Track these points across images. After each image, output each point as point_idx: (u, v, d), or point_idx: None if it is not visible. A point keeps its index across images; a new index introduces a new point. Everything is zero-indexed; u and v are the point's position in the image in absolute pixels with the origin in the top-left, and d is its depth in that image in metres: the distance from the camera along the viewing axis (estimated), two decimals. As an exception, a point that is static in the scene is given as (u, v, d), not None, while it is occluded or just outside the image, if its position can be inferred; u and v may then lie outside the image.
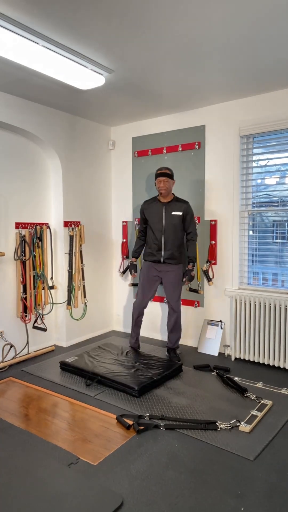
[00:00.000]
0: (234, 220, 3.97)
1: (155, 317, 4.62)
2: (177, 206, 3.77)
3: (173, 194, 3.86)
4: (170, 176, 3.72)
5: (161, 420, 2.71)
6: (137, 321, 4.06)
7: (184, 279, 3.85)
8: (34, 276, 4.03)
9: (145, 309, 4.04)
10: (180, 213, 3.76)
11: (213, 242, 4.09)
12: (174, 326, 3.91)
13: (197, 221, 4.19)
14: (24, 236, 3.94)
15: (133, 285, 4.68)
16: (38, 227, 4.05)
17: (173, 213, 3.75)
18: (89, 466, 2.22)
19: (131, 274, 4.10)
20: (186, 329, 4.39)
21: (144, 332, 4.71)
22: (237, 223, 3.96)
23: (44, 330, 4.15)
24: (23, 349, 4.03)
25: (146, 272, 3.90)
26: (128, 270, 4.04)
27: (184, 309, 4.38)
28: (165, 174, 3.69)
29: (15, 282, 3.94)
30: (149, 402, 2.97)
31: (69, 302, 4.32)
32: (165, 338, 4.55)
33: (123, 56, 2.85)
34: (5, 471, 2.16)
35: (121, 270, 4.39)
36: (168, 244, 3.76)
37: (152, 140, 4.50)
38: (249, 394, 3.06)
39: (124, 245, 4.81)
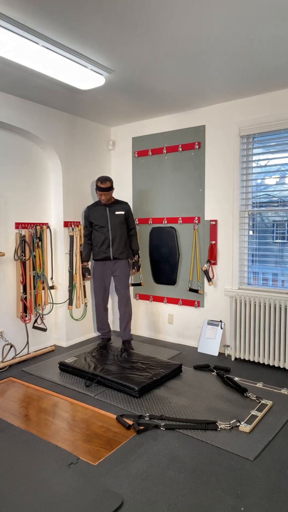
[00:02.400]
0: (234, 220, 3.97)
1: (156, 317, 4.62)
2: (119, 206, 4.16)
3: (113, 197, 4.19)
4: (111, 188, 4.04)
5: (161, 420, 2.71)
6: (104, 319, 4.30)
7: (133, 270, 4.28)
8: (34, 276, 4.03)
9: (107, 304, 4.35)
10: (123, 213, 4.15)
11: (213, 242, 4.10)
12: (129, 318, 4.24)
13: (197, 221, 4.19)
14: (24, 236, 3.94)
15: (133, 285, 4.68)
16: (38, 227, 4.06)
17: (116, 212, 4.12)
18: (89, 466, 2.22)
19: (84, 278, 4.32)
20: (186, 329, 4.39)
21: (145, 332, 4.71)
22: (237, 223, 3.96)
23: (44, 330, 4.15)
24: (23, 349, 4.03)
25: (100, 270, 4.19)
26: (82, 275, 4.34)
27: (184, 309, 4.38)
28: (107, 189, 4.00)
29: (15, 282, 3.94)
30: (149, 402, 2.97)
31: (70, 302, 4.32)
32: (167, 339, 4.55)
33: (123, 56, 2.85)
34: (5, 471, 2.16)
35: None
36: (116, 241, 4.10)
37: (152, 140, 4.50)
38: (249, 394, 3.06)
39: (124, 245, 4.82)
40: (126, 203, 4.22)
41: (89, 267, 4.39)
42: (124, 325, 4.24)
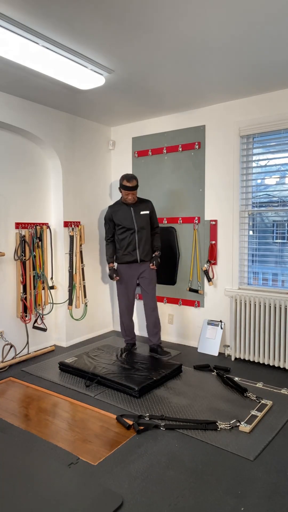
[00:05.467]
0: (234, 220, 3.97)
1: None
2: (143, 205, 3.93)
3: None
4: (137, 187, 3.82)
5: (161, 420, 2.71)
6: (129, 326, 4.10)
7: (151, 264, 3.93)
8: (34, 276, 4.03)
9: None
10: (148, 212, 3.92)
11: (213, 242, 4.10)
12: (156, 323, 3.99)
13: (197, 221, 4.19)
14: (24, 236, 3.94)
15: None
16: (38, 227, 4.05)
17: (142, 212, 3.89)
18: (89, 466, 2.22)
19: (113, 279, 3.96)
20: (186, 329, 4.38)
21: (145, 332, 4.71)
22: (237, 223, 3.96)
23: (44, 330, 4.15)
24: (23, 349, 4.03)
25: (124, 274, 3.95)
26: (109, 276, 3.98)
27: (184, 309, 4.38)
28: (134, 187, 3.76)
29: (15, 282, 3.94)
30: (149, 402, 2.97)
31: (70, 302, 4.32)
32: (167, 339, 4.54)
33: (123, 56, 2.85)
34: (5, 471, 2.16)
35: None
36: (142, 243, 3.89)
37: (152, 140, 4.50)
38: (249, 394, 3.06)
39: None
40: (149, 201, 3.98)
41: (115, 268, 4.05)
42: (155, 330, 3.97)
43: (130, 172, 4.73)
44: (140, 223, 3.87)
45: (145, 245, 3.91)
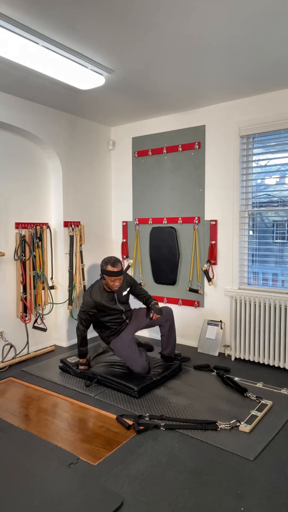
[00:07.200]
0: (234, 220, 3.97)
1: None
2: (123, 285, 3.52)
3: None
4: (123, 271, 3.40)
5: (161, 420, 2.70)
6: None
7: (151, 313, 3.47)
8: (34, 276, 4.03)
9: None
10: (128, 289, 3.58)
11: (213, 242, 4.10)
12: (172, 330, 3.68)
13: (197, 221, 4.19)
14: (24, 236, 3.94)
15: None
16: (38, 227, 4.05)
17: (124, 293, 3.53)
18: (89, 466, 2.22)
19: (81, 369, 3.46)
20: (186, 329, 4.38)
21: (145, 332, 4.71)
22: (237, 223, 3.96)
23: (44, 330, 4.15)
24: (23, 349, 4.03)
25: (124, 337, 3.44)
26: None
27: (184, 309, 4.38)
28: (120, 272, 3.31)
29: (15, 282, 3.94)
30: (149, 402, 2.97)
31: (70, 302, 4.32)
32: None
33: (123, 56, 2.85)
34: (5, 471, 2.16)
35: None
36: (127, 313, 3.57)
37: (152, 140, 4.50)
38: (249, 394, 3.06)
39: (124, 245, 4.81)
40: (126, 275, 3.61)
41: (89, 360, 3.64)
42: (171, 339, 3.68)
43: (130, 172, 4.72)
44: (125, 306, 3.55)
45: (129, 311, 3.62)
